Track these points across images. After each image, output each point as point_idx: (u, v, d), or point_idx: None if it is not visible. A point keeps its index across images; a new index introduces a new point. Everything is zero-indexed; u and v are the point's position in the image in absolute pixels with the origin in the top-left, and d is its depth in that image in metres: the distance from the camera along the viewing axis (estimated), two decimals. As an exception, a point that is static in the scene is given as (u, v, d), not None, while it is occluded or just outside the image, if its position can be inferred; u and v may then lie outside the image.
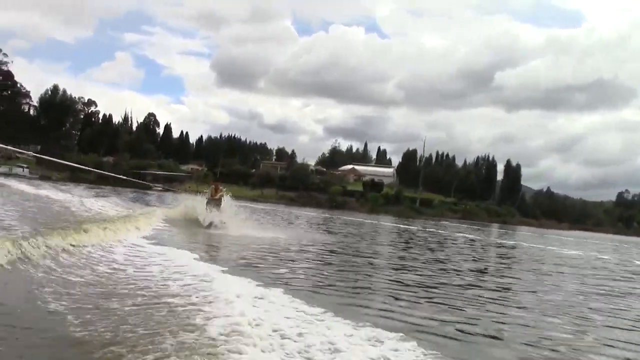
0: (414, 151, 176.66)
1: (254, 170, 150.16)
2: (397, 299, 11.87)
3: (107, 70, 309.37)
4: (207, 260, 14.23)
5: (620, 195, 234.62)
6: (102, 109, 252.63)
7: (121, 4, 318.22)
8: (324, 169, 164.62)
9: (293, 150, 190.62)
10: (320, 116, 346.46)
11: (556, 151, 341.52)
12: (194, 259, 14.02)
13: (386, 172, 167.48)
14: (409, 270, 17.51)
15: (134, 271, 11.29)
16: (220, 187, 28.61)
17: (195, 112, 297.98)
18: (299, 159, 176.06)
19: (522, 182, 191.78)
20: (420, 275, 16.46)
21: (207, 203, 27.01)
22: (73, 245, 12.68)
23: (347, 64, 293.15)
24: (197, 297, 9.02)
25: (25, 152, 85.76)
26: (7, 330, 6.46)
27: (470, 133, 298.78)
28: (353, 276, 15.01)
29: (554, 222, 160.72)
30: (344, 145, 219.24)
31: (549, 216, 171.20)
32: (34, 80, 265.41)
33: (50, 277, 9.53)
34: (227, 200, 28.36)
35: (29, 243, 10.86)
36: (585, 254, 38.00)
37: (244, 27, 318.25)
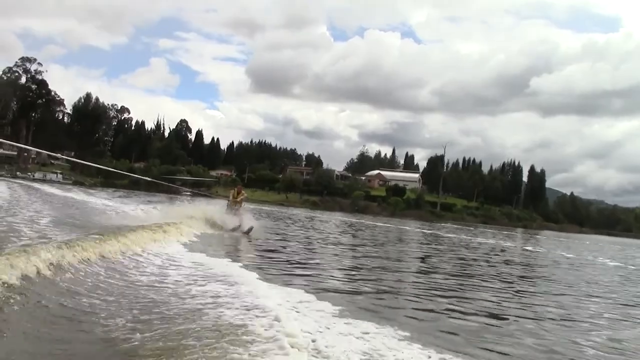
0: (440, 157, 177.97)
1: (280, 175, 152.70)
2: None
3: (142, 76, 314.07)
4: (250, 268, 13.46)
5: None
6: (137, 114, 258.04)
7: (156, 10, 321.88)
8: (349, 174, 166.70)
9: (319, 156, 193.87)
10: (356, 122, 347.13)
11: (592, 157, 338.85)
12: (229, 263, 13.75)
13: (412, 177, 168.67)
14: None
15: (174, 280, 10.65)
16: (243, 191, 27.77)
17: (230, 117, 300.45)
18: (333, 164, 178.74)
19: (556, 188, 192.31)
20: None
21: (228, 206, 26.78)
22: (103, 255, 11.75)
23: (383, 69, 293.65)
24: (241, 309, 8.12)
25: (58, 155, 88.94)
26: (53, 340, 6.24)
27: (506, 139, 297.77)
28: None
29: (575, 227, 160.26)
30: (375, 150, 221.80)
31: (572, 221, 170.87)
32: (70, 87, 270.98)
33: (93, 282, 9.28)
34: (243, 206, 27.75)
35: (68, 249, 10.33)
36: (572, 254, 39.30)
37: (279, 33, 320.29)
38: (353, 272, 15.54)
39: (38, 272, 8.35)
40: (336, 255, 20.93)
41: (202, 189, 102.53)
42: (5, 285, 7.29)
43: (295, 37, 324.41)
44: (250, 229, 24.79)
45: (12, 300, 6.96)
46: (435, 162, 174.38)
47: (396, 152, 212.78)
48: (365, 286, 12.87)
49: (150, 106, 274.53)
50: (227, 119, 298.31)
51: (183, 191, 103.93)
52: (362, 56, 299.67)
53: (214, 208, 27.94)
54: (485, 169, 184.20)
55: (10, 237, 13.12)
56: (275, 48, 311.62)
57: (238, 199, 26.66)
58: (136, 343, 6.25)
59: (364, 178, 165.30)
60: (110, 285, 9.35)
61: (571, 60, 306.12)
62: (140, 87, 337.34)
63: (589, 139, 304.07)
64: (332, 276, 14.15)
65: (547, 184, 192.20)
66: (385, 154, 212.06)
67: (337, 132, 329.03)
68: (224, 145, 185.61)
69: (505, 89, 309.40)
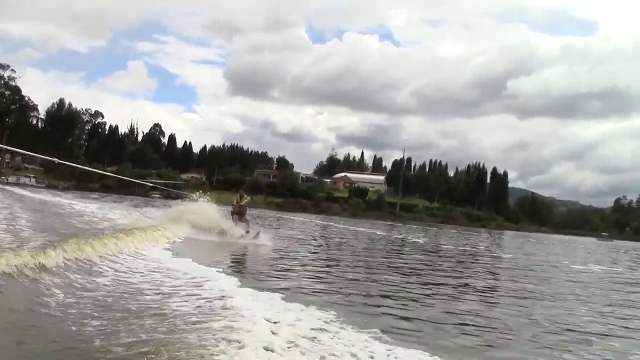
0: (406, 159, 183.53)
1: (249, 178, 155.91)
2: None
3: (120, 79, 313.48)
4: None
5: (617, 201, 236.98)
6: (114, 118, 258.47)
7: (134, 14, 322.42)
8: (315, 177, 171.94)
9: (284, 157, 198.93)
10: (334, 124, 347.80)
11: (568, 159, 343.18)
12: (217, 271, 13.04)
13: (378, 179, 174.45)
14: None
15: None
16: (245, 196, 27.71)
17: (208, 121, 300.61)
18: (308, 167, 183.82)
19: (533, 189, 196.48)
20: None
21: (232, 212, 26.43)
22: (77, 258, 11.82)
23: (361, 72, 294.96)
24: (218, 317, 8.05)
25: (37, 155, 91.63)
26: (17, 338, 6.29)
27: (484, 141, 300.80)
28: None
29: (534, 227, 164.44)
30: (354, 153, 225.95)
31: (533, 221, 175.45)
32: (48, 91, 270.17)
33: (67, 287, 9.20)
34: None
35: (45, 253, 10.53)
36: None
37: (258, 35, 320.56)
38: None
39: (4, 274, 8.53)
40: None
41: (179, 190, 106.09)
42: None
43: (274, 40, 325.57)
44: (258, 234, 25.06)
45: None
46: (400, 165, 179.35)
47: (371, 155, 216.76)
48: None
49: (128, 110, 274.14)
50: (205, 122, 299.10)
51: (152, 194, 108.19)
52: (340, 59, 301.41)
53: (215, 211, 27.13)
54: (456, 170, 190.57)
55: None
56: (253, 51, 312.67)
57: (242, 203, 26.43)
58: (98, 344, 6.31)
59: (329, 181, 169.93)
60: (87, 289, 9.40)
61: (549, 62, 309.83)
62: (118, 91, 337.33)
63: (565, 141, 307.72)
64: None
65: (524, 186, 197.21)
66: (354, 157, 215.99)
67: (315, 134, 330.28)
68: (197, 149, 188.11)
69: (483, 91, 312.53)
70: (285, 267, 16.07)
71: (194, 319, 7.73)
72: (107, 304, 8.37)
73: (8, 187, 75.03)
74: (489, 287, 15.91)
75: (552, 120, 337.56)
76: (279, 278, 13.58)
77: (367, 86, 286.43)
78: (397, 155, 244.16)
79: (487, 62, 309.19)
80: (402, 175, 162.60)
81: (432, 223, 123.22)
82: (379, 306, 10.97)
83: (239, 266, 16.50)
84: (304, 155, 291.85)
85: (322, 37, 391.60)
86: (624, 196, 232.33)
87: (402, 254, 27.47)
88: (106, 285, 9.88)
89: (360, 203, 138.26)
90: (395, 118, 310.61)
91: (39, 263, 9.75)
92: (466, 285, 16.06)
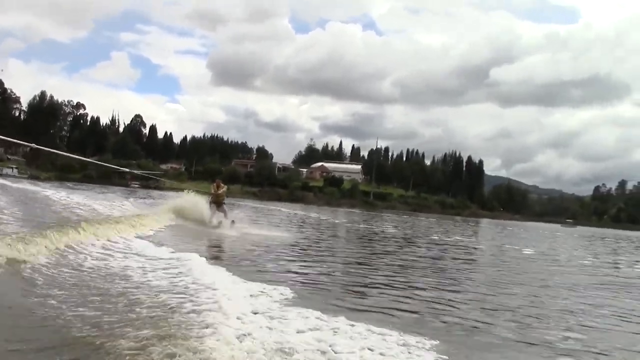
0: (379, 149, 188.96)
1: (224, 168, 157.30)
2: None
3: (103, 70, 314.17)
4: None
5: (597, 189, 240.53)
6: (97, 109, 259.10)
7: (116, 4, 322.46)
8: (291, 166, 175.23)
9: (263, 147, 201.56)
10: (317, 114, 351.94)
11: (551, 147, 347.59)
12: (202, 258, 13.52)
13: (354, 168, 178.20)
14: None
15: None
16: (222, 185, 27.11)
17: (192, 111, 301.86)
18: (289, 157, 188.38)
19: (516, 178, 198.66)
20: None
21: (210, 201, 26.16)
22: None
23: (344, 61, 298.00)
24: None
25: (24, 143, 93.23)
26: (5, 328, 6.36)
27: (467, 129, 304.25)
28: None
29: (508, 214, 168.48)
30: (336, 142, 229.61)
31: (508, 208, 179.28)
32: (30, 82, 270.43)
33: (52, 276, 9.35)
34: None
35: (26, 242, 10.76)
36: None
37: (241, 25, 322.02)
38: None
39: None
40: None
41: (150, 182, 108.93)
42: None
43: (257, 30, 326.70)
44: (233, 222, 25.21)
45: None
46: (376, 154, 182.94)
47: (355, 144, 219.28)
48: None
49: (111, 100, 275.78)
50: (188, 113, 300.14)
51: (132, 184, 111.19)
52: (323, 48, 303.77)
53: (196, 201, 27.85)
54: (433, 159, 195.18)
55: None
56: (237, 41, 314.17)
57: (219, 192, 26.08)
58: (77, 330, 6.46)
59: (306, 170, 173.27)
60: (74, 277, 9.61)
61: (532, 50, 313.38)
62: (101, 81, 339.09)
63: (548, 129, 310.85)
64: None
65: (507, 174, 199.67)
66: (332, 147, 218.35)
67: (298, 124, 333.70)
68: (178, 139, 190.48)
69: (466, 79, 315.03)
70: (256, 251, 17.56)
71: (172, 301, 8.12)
72: (89, 290, 8.69)
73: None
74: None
75: (535, 109, 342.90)
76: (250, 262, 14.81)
77: (350, 75, 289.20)
78: (381, 144, 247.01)
79: (469, 51, 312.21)
80: (375, 164, 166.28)
81: (404, 211, 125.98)
82: (317, 285, 12.08)
83: (214, 252, 17.45)
84: (288, 144, 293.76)
85: (305, 27, 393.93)
86: (603, 184, 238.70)
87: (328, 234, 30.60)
88: (89, 272, 10.27)
89: (334, 192, 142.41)
90: (379, 107, 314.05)
91: (21, 252, 10.08)
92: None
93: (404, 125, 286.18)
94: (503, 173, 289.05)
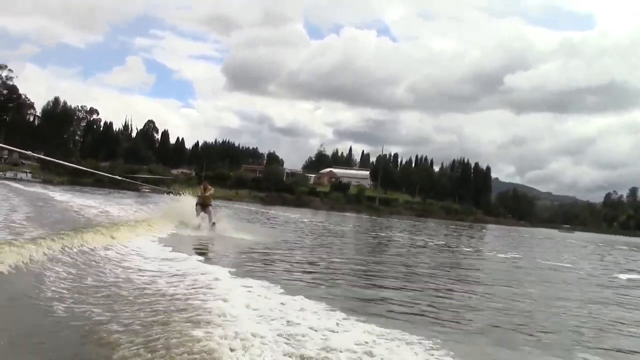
0: (385, 155, 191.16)
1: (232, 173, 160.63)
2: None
3: (118, 74, 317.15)
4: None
5: (607, 196, 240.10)
6: (112, 113, 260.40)
7: (131, 9, 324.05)
8: (299, 172, 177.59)
9: (274, 152, 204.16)
10: (331, 119, 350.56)
11: (566, 154, 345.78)
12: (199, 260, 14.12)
13: (363, 174, 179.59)
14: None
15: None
16: (209, 187, 27.09)
17: (206, 116, 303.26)
18: (300, 163, 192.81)
19: (530, 185, 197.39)
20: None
21: (196, 203, 26.09)
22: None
23: (358, 67, 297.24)
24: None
25: (29, 153, 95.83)
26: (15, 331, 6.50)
27: (481, 136, 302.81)
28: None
29: (512, 220, 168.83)
30: (348, 148, 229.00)
31: (515, 214, 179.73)
32: (45, 86, 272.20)
33: (61, 278, 9.69)
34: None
35: (41, 244, 11.24)
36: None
37: (255, 30, 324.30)
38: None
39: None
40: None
41: (161, 186, 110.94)
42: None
43: (272, 35, 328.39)
44: (214, 224, 25.16)
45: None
46: (383, 160, 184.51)
47: (368, 150, 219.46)
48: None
49: (125, 105, 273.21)
50: (202, 117, 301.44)
51: (142, 188, 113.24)
52: (337, 54, 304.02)
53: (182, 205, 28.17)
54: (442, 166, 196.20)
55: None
56: (251, 46, 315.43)
57: (207, 194, 26.07)
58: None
59: (314, 176, 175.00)
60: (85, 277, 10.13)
61: (546, 57, 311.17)
62: (116, 86, 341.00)
63: (562, 136, 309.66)
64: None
65: (521, 181, 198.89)
66: (342, 153, 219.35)
67: (312, 130, 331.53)
68: (190, 144, 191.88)
69: (479, 86, 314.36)
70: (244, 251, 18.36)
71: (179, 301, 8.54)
72: (101, 292, 9.04)
73: (6, 182, 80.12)
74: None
75: (549, 115, 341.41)
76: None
77: (364, 81, 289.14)
78: (394, 150, 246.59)
79: (483, 57, 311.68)
80: (381, 170, 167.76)
81: (407, 217, 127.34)
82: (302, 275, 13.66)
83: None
84: (301, 150, 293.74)
85: (319, 32, 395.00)
86: (614, 191, 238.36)
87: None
88: (103, 275, 10.68)
89: (340, 197, 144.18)
90: (392, 113, 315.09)
91: (35, 254, 10.48)
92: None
93: (417, 131, 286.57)
94: (517, 180, 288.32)
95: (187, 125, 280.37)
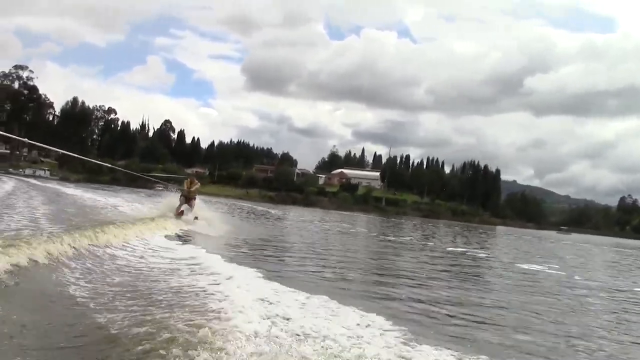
0: (394, 157, 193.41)
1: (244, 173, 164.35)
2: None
3: (138, 73, 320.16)
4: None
5: (622, 199, 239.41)
6: (131, 112, 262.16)
7: (152, 8, 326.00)
8: (310, 172, 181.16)
9: (287, 152, 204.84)
10: (350, 120, 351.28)
11: (585, 157, 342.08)
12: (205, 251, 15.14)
13: (374, 175, 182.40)
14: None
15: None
16: (196, 181, 27.96)
17: (224, 115, 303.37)
18: (314, 163, 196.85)
19: (548, 188, 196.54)
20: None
21: (181, 195, 26.95)
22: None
23: (378, 68, 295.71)
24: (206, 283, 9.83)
25: (51, 148, 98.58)
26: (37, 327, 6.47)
27: (500, 138, 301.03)
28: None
29: (518, 222, 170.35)
30: (370, 149, 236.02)
31: (522, 217, 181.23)
32: (66, 85, 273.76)
33: (82, 274, 9.85)
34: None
35: (60, 242, 11.34)
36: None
37: (275, 31, 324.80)
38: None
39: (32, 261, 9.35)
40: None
41: (174, 184, 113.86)
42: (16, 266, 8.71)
43: (292, 35, 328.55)
44: (196, 218, 26.10)
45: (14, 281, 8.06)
46: (392, 161, 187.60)
47: (385, 151, 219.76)
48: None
49: (145, 104, 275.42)
50: (221, 117, 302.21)
51: (156, 186, 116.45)
52: (357, 55, 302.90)
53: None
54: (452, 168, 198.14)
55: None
56: (271, 46, 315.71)
57: (192, 188, 26.81)
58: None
59: (324, 176, 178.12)
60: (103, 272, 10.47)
61: (567, 60, 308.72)
62: (136, 85, 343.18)
63: (582, 139, 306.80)
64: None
65: (540, 184, 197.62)
66: (355, 154, 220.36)
67: (331, 130, 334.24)
68: (206, 144, 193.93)
69: (499, 88, 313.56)
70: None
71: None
72: (121, 286, 9.31)
73: (25, 179, 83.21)
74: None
75: (569, 118, 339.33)
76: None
77: (383, 82, 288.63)
78: (413, 152, 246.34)
79: (503, 59, 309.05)
80: (388, 171, 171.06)
81: (413, 217, 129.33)
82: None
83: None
84: (319, 151, 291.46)
85: (339, 33, 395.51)
86: (629, 195, 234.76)
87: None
88: (120, 269, 11.08)
89: (347, 197, 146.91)
90: (411, 115, 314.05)
91: (54, 249, 10.67)
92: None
93: (436, 133, 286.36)
94: (536, 183, 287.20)
95: (206, 124, 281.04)
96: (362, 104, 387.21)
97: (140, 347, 5.90)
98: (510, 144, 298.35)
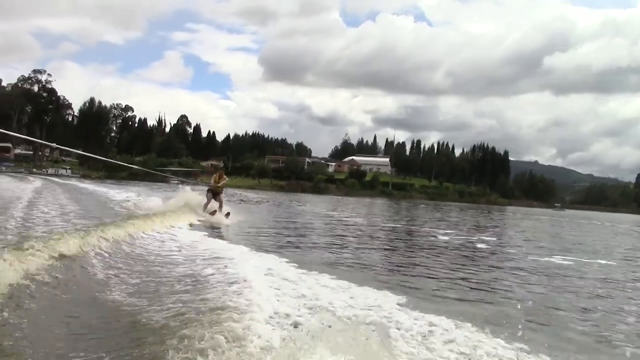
0: (404, 143, 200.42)
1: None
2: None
3: (157, 69, 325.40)
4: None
5: (639, 176, 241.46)
6: (150, 108, 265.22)
7: (167, 4, 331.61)
8: (320, 160, 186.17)
9: (301, 143, 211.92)
10: (370, 107, 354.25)
11: (608, 135, 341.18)
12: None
13: (383, 161, 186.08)
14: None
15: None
16: (225, 177, 25.97)
17: (244, 107, 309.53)
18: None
19: (571, 167, 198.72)
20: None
21: (208, 190, 25.48)
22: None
23: (396, 53, 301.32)
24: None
25: (71, 150, 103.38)
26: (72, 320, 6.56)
27: (521, 119, 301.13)
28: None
29: (525, 201, 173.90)
30: (389, 135, 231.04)
31: (531, 196, 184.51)
32: (86, 83, 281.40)
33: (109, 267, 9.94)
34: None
35: (91, 236, 11.59)
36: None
37: (291, 20, 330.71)
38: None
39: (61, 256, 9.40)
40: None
41: (190, 178, 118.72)
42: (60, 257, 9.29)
43: (308, 24, 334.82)
44: (228, 214, 24.60)
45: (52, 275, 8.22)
46: (401, 148, 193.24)
47: (408, 136, 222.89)
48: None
49: (164, 99, 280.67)
50: (241, 109, 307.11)
51: (172, 180, 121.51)
52: (374, 41, 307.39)
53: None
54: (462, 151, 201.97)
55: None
56: (287, 36, 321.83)
57: (220, 184, 25.29)
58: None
59: (334, 164, 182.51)
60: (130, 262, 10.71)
61: (587, 37, 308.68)
62: (154, 80, 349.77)
63: (605, 117, 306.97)
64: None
65: (563, 164, 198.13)
66: (367, 141, 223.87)
67: (350, 117, 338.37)
68: (222, 137, 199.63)
69: (518, 68, 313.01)
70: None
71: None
72: (149, 276, 9.45)
73: (49, 178, 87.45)
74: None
75: (590, 96, 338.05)
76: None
77: (402, 68, 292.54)
78: (433, 136, 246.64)
79: (522, 39, 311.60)
80: (393, 156, 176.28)
81: (419, 200, 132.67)
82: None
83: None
84: (338, 139, 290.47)
85: (355, 20, 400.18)
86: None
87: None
88: (147, 261, 11.13)
89: (355, 183, 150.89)
90: (431, 99, 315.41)
91: (87, 244, 10.92)
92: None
93: (456, 117, 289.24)
94: (558, 162, 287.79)
95: (225, 116, 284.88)
96: (381, 90, 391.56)
97: (174, 340, 5.76)
98: (531, 125, 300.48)
